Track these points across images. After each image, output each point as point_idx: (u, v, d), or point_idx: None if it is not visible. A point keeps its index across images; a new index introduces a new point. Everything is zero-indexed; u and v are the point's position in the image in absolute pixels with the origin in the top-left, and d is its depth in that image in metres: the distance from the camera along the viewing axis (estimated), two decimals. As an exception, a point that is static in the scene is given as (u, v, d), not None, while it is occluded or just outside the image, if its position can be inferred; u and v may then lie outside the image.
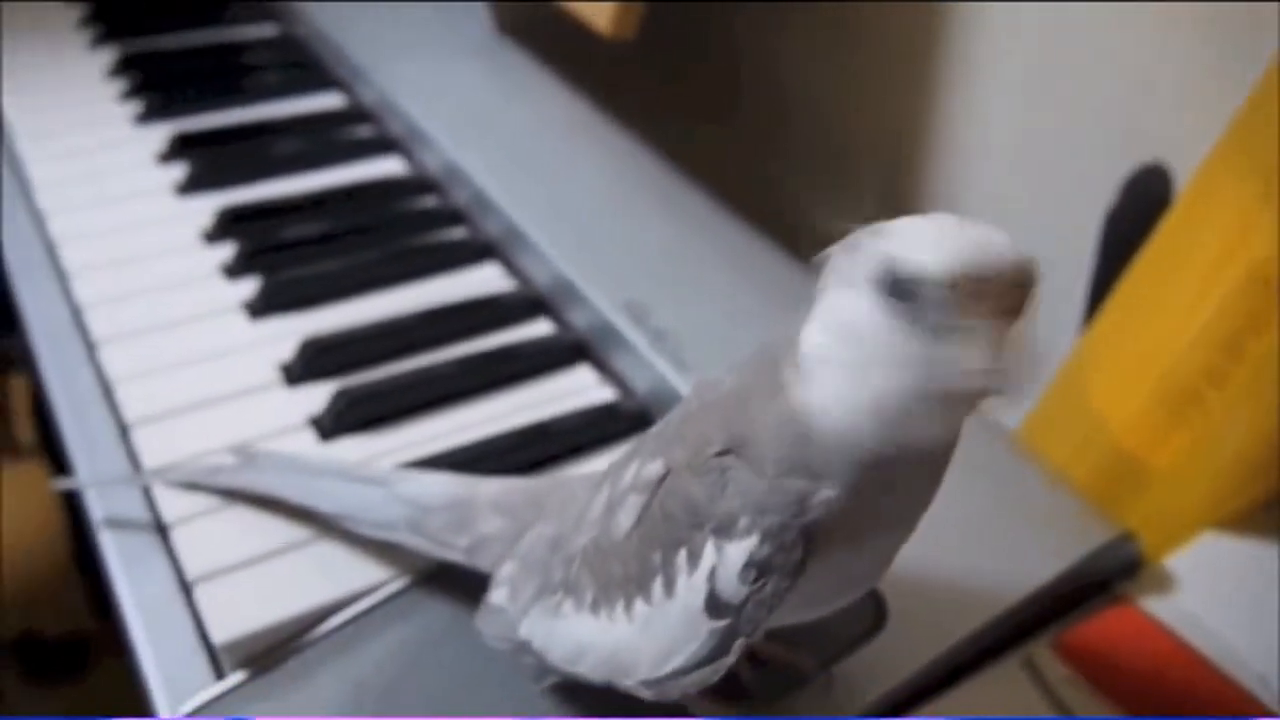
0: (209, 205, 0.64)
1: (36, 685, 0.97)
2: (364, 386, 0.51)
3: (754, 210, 0.62)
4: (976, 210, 0.68)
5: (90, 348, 0.54)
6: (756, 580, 0.30)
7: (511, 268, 0.61)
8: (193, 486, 0.46)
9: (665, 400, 0.50)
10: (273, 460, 0.46)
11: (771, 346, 0.31)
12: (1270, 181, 0.45)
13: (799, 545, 0.30)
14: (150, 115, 0.72)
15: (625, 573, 0.33)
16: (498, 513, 0.39)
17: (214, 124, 0.72)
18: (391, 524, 0.41)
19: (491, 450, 0.49)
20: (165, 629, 0.42)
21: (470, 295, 0.58)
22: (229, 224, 0.62)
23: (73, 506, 0.56)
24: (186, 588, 0.43)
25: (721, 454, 0.31)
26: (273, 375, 0.52)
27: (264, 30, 0.85)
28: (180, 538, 0.44)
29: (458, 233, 0.63)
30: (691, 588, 0.31)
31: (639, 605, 0.32)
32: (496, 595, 0.38)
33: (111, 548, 0.45)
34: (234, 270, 0.59)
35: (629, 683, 0.33)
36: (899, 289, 0.26)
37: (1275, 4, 0.47)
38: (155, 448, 0.48)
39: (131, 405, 0.50)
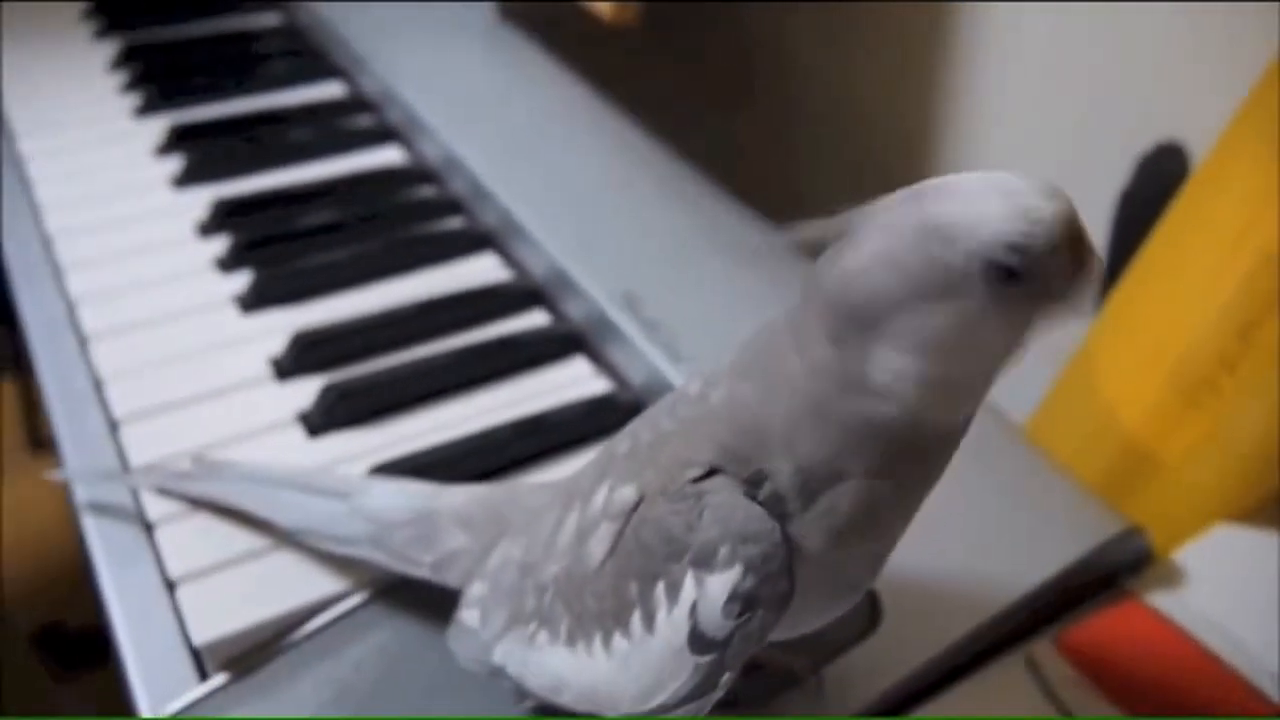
0: (205, 198, 0.63)
1: (60, 675, 0.98)
2: (353, 380, 0.50)
3: (765, 197, 0.61)
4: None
5: (83, 343, 0.53)
6: (742, 614, 0.28)
7: (509, 258, 0.60)
8: (163, 491, 0.45)
9: (661, 392, 0.48)
10: (231, 470, 0.44)
11: (765, 355, 0.29)
12: (1285, 160, 0.43)
13: (784, 575, 0.28)
14: (149, 107, 0.72)
15: (601, 606, 0.31)
16: (461, 527, 0.38)
17: (213, 115, 0.72)
18: (354, 540, 0.40)
19: (486, 444, 0.49)
20: (149, 629, 0.41)
21: (466, 286, 0.57)
22: (224, 216, 0.62)
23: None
24: (171, 587, 0.42)
25: (701, 478, 0.29)
26: (264, 370, 0.52)
27: (268, 19, 0.84)
28: (164, 536, 0.44)
29: (455, 222, 0.62)
30: (673, 624, 0.29)
31: (618, 640, 0.31)
32: (468, 616, 0.37)
33: (97, 545, 0.44)
34: (228, 263, 0.58)
35: (612, 715, 0.32)
36: (1005, 273, 0.25)
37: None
38: (143, 444, 0.47)
39: (120, 401, 0.49)
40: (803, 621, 0.31)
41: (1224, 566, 0.43)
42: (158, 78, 0.75)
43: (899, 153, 0.75)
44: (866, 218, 0.26)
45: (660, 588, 0.30)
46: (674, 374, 0.48)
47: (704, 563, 0.29)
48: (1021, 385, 0.54)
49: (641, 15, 0.64)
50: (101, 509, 0.45)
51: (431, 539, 0.38)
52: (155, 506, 0.45)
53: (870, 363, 0.26)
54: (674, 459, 0.30)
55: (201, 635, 0.40)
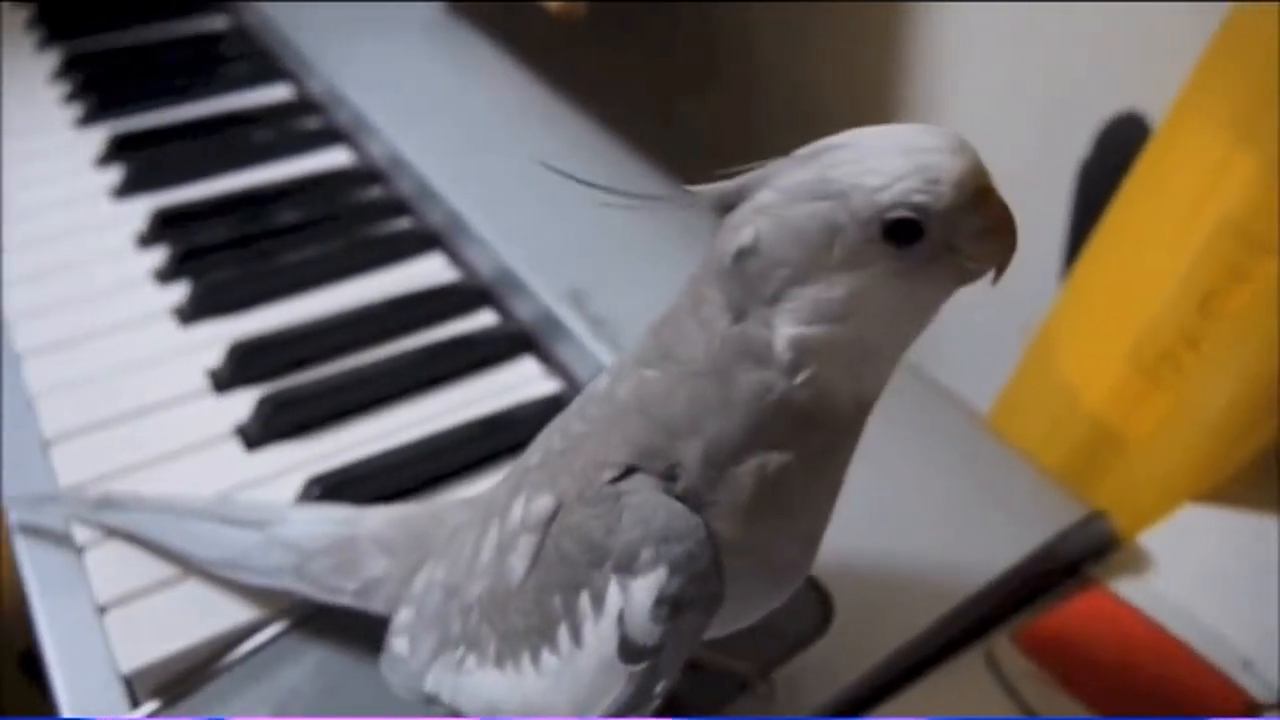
0: (145, 208, 0.62)
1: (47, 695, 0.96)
2: (292, 389, 0.49)
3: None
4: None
5: (16, 360, 0.52)
6: (671, 617, 0.27)
7: (456, 258, 0.58)
8: (83, 522, 0.43)
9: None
10: (140, 504, 0.42)
11: (668, 336, 0.28)
12: (1240, 126, 0.42)
13: (713, 572, 0.27)
14: (90, 118, 0.70)
15: (527, 623, 0.30)
16: (383, 551, 0.36)
17: (156, 123, 0.70)
18: (274, 570, 0.38)
19: (434, 449, 0.47)
20: (79, 656, 0.40)
21: (413, 288, 0.56)
22: (163, 226, 0.60)
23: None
24: (102, 612, 0.41)
25: (618, 479, 0.28)
26: (201, 383, 0.50)
27: (215, 23, 0.82)
28: (92, 560, 0.42)
29: (403, 223, 0.61)
30: (600, 634, 0.28)
31: (546, 657, 0.29)
32: (397, 643, 0.35)
33: (29, 570, 0.43)
34: (166, 275, 0.57)
35: None
36: (906, 235, 0.23)
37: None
38: (73, 464, 0.46)
39: (50, 421, 0.48)
40: (740, 614, 0.30)
41: (1191, 549, 0.42)
42: (99, 87, 0.73)
43: (859, 124, 0.73)
44: (764, 180, 0.25)
45: (585, 598, 0.28)
46: (621, 371, 0.47)
47: (627, 567, 0.27)
48: (986, 370, 0.52)
49: (588, 11, 0.62)
50: (34, 532, 0.44)
51: (353, 566, 0.36)
52: (84, 530, 0.43)
53: (772, 333, 0.25)
54: (589, 462, 0.28)
55: (129, 662, 0.38)
